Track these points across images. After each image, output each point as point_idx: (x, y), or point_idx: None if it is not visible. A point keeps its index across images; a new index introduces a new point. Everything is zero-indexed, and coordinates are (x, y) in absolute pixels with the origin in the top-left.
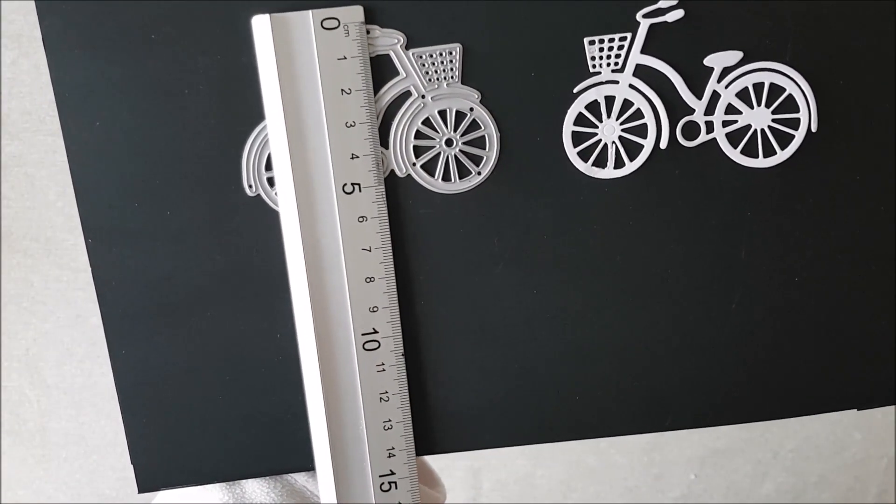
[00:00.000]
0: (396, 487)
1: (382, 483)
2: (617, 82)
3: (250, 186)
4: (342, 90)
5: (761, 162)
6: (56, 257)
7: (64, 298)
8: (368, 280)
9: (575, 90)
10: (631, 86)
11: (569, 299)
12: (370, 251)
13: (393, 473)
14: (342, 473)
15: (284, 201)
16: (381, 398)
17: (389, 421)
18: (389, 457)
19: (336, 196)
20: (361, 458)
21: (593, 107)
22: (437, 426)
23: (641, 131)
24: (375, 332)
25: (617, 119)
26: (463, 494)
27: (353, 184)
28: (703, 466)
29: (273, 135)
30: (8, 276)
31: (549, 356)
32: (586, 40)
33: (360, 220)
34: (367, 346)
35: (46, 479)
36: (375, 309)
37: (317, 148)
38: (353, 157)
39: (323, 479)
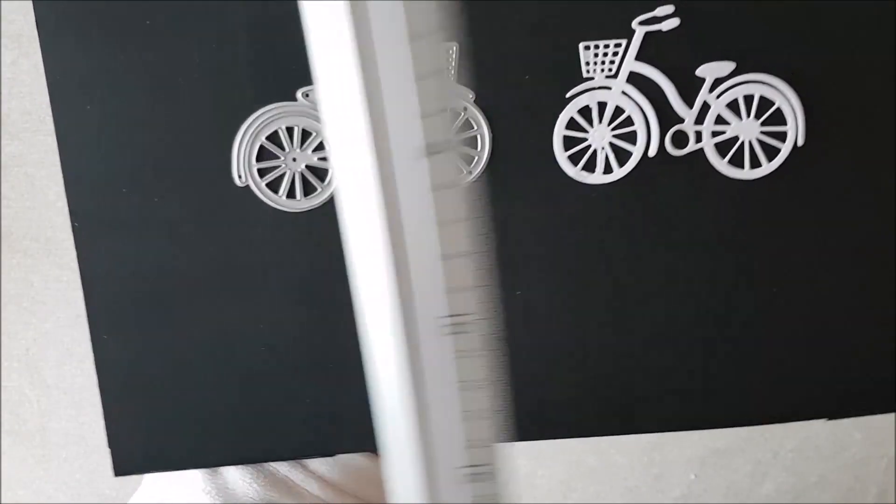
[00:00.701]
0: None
1: (474, 474)
2: (610, 88)
3: (240, 177)
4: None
5: (747, 173)
6: (56, 257)
7: (64, 298)
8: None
9: (568, 94)
10: (623, 92)
11: (552, 300)
12: (456, 223)
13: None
14: (429, 467)
15: (352, 170)
16: (470, 385)
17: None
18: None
19: (420, 159)
20: (450, 450)
21: (585, 112)
22: None
23: (631, 138)
24: (464, 314)
25: (608, 125)
26: None
27: (437, 143)
28: (703, 466)
29: (332, 90)
30: (8, 276)
31: (527, 356)
32: (581, 45)
33: (444, 187)
34: (454, 329)
35: (46, 479)
36: (463, 289)
37: (398, 102)
38: (437, 113)
39: (402, 474)
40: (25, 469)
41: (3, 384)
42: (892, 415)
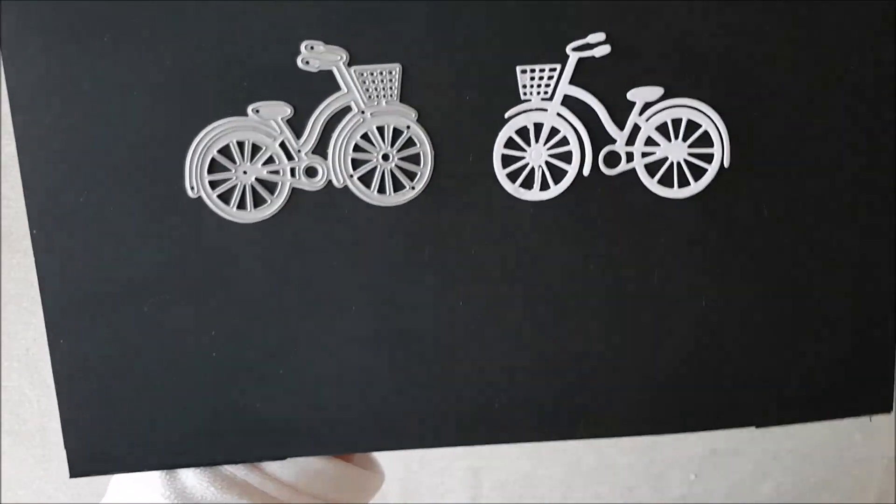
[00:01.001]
0: None
1: None
2: (546, 110)
3: (192, 188)
4: None
5: (676, 192)
6: None
7: None
8: None
9: (506, 115)
10: (559, 114)
11: (492, 311)
12: None
13: None
14: None
15: None
16: None
17: None
18: None
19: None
20: None
21: (523, 132)
22: (357, 424)
23: (567, 157)
24: None
25: (544, 144)
26: (463, 494)
27: None
28: (703, 466)
29: None
30: (8, 276)
31: (469, 364)
32: (518, 69)
33: None
34: None
35: (46, 479)
36: None
37: None
38: None
39: None
40: (25, 469)
41: (3, 384)
42: (893, 415)
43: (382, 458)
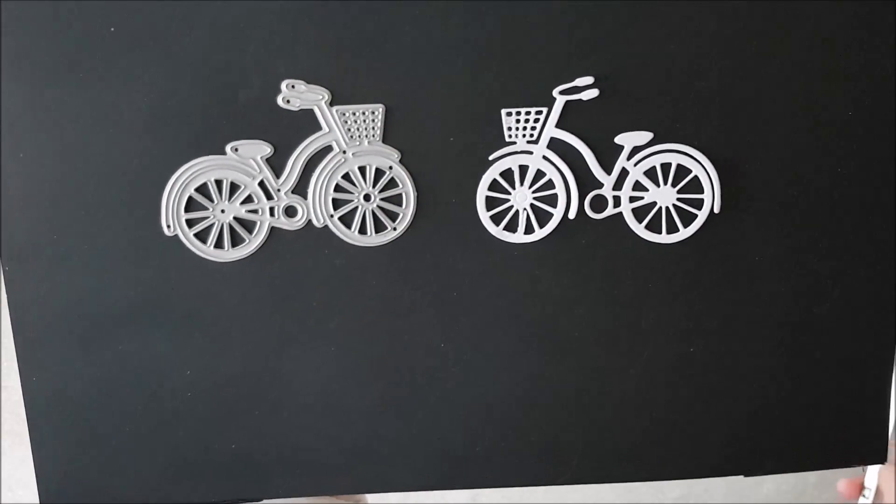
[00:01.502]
0: None
1: None
2: (531, 153)
3: (169, 226)
4: None
5: (664, 238)
6: None
7: None
8: None
9: (490, 157)
10: (544, 157)
11: (476, 351)
12: None
13: None
14: None
15: None
16: None
17: None
18: None
19: None
20: None
21: (507, 174)
22: (334, 466)
23: (552, 201)
24: None
25: (529, 188)
26: (463, 494)
27: None
28: None
29: None
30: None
31: (451, 406)
32: (504, 111)
33: None
34: None
35: None
36: None
37: None
38: None
39: None
40: (25, 469)
41: (3, 384)
42: (893, 415)
43: None
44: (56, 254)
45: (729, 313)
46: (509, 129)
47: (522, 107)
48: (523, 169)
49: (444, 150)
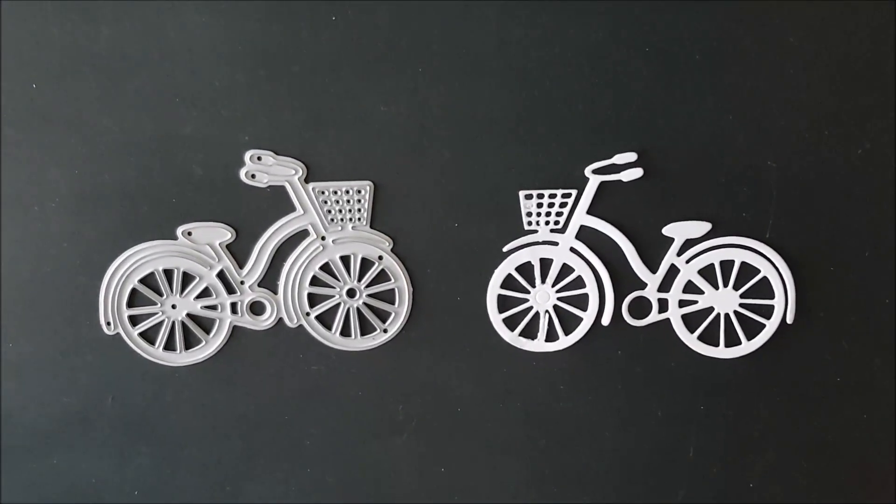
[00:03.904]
0: None
1: None
2: (556, 244)
3: (108, 324)
4: None
5: (722, 352)
6: None
7: None
8: None
9: (505, 248)
10: (572, 249)
11: (481, 481)
12: None
13: None
14: None
15: None
16: None
17: None
18: None
19: None
20: None
21: (526, 269)
22: None
23: (581, 302)
24: None
25: (553, 286)
26: None
27: None
28: None
29: None
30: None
31: None
32: (522, 193)
33: None
34: None
35: None
36: None
37: None
38: None
39: None
40: None
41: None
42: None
43: None
44: None
45: (798, 439)
46: (529, 214)
47: (546, 188)
48: (546, 263)
49: (447, 237)
